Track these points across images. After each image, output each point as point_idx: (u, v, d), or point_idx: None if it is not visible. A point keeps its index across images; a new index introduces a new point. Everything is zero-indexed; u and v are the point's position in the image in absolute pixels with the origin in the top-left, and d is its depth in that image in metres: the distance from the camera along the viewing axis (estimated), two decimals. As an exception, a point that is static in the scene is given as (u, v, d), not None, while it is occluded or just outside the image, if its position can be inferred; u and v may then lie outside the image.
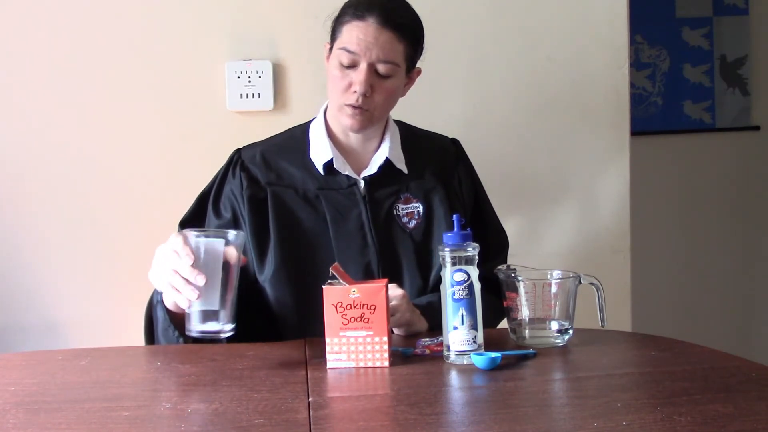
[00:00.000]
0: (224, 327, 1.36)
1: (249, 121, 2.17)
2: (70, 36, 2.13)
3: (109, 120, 2.15)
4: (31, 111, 2.13)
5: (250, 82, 2.15)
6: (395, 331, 1.56)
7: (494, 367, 1.33)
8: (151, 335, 1.62)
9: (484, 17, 2.24)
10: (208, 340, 1.38)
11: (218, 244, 1.34)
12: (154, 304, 1.56)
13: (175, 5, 2.15)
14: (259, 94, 2.15)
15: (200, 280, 1.33)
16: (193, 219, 1.74)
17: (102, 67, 2.14)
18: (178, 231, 1.70)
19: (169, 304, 1.47)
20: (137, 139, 2.15)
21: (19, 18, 2.11)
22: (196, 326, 1.35)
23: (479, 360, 1.33)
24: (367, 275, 1.66)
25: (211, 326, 1.35)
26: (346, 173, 1.72)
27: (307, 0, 2.15)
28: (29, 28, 2.12)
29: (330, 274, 1.39)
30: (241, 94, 2.15)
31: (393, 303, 1.52)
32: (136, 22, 2.14)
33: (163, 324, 1.53)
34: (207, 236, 1.36)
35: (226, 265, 1.35)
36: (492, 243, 1.82)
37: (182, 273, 1.35)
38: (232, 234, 1.37)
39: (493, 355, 1.34)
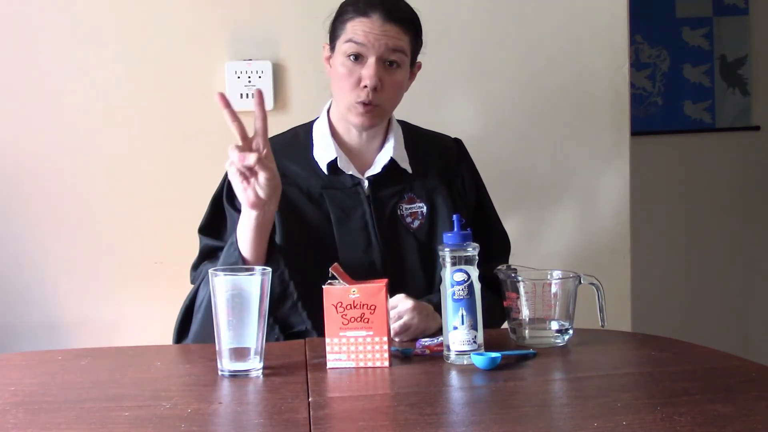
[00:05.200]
0: (255, 365, 1.33)
1: (249, 121, 2.14)
2: (70, 36, 2.13)
3: (109, 120, 2.15)
4: (31, 111, 2.13)
5: (250, 82, 2.15)
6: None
7: (494, 367, 1.33)
8: (181, 333, 1.66)
9: (484, 17, 2.24)
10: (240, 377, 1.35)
11: (246, 281, 1.33)
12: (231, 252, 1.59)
13: (175, 5, 2.15)
14: (259, 94, 2.15)
15: (251, 158, 1.45)
16: (212, 224, 1.74)
17: (102, 68, 2.14)
18: (199, 239, 1.71)
19: (240, 196, 1.51)
20: (137, 139, 2.15)
21: (18, 19, 2.11)
22: (227, 365, 1.33)
23: (479, 360, 1.33)
24: (371, 274, 1.65)
25: (242, 365, 1.32)
26: (350, 173, 1.72)
27: (307, 0, 2.15)
28: (29, 29, 2.12)
29: (330, 275, 1.39)
30: (241, 94, 2.15)
31: (405, 319, 1.50)
32: (136, 22, 2.14)
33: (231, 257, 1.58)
34: (235, 274, 1.34)
35: (255, 302, 1.33)
36: (495, 244, 1.81)
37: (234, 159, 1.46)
38: (258, 271, 1.35)
39: (493, 355, 1.34)
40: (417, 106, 2.05)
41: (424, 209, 1.73)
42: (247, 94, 2.15)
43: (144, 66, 2.15)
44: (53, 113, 2.13)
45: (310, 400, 1.20)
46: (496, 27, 2.24)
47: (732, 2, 3.52)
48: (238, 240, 1.56)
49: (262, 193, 1.49)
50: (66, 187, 2.14)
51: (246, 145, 1.49)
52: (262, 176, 1.48)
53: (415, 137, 1.80)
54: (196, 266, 1.74)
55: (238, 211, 1.68)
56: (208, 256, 1.71)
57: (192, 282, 1.73)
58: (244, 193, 1.50)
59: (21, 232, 2.14)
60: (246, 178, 1.49)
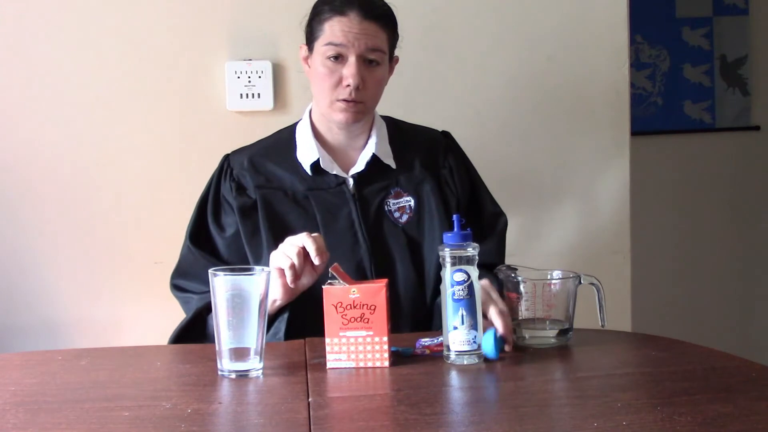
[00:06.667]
0: (254, 365, 1.33)
1: (249, 121, 2.16)
2: (69, 36, 2.12)
3: (109, 120, 2.14)
4: (30, 111, 2.13)
5: (250, 82, 2.15)
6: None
7: (500, 353, 1.35)
8: (180, 338, 1.66)
9: (484, 17, 2.23)
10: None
11: (246, 282, 1.34)
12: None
13: (175, 5, 2.14)
14: (259, 94, 2.15)
15: (320, 259, 1.46)
16: (199, 229, 1.75)
17: (102, 68, 2.13)
18: (189, 244, 1.72)
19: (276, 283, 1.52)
20: (137, 140, 2.15)
21: (18, 18, 2.11)
22: (227, 365, 1.33)
23: (489, 347, 1.34)
24: (359, 273, 1.65)
25: (242, 365, 1.33)
26: (334, 172, 1.72)
27: (307, 0, 2.14)
28: (28, 29, 2.12)
29: (330, 275, 1.39)
30: (241, 94, 2.15)
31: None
32: (136, 22, 2.14)
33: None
34: (235, 274, 1.35)
35: (256, 302, 1.34)
36: (486, 225, 1.81)
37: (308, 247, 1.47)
38: (258, 270, 1.36)
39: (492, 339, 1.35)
40: (416, 106, 2.06)
41: (412, 203, 1.73)
42: (247, 94, 2.15)
43: (144, 66, 2.14)
44: (52, 113, 2.13)
45: (310, 400, 1.20)
46: (496, 27, 2.24)
47: (732, 2, 3.52)
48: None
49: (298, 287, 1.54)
50: (65, 187, 2.14)
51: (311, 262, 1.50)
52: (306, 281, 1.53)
53: (400, 132, 1.81)
54: (183, 273, 1.74)
55: (223, 231, 1.71)
56: (194, 266, 1.72)
57: (176, 288, 1.74)
58: (279, 279, 1.52)
59: (21, 232, 2.14)
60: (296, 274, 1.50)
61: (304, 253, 1.49)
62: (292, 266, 1.48)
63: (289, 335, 1.60)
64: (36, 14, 2.12)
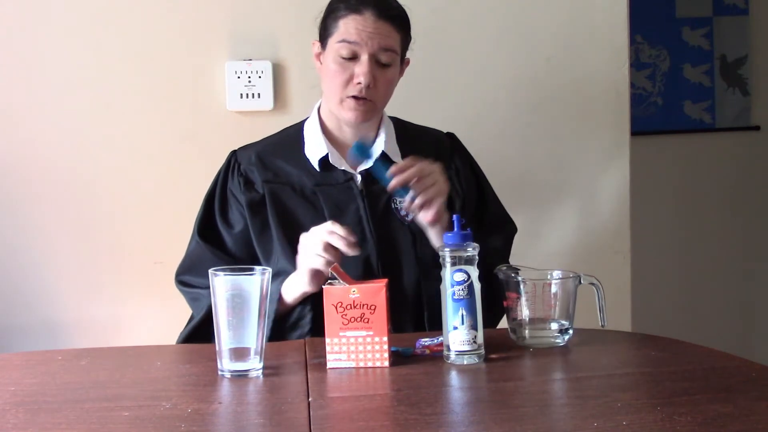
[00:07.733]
0: (254, 365, 1.33)
1: (249, 121, 2.16)
2: (70, 36, 2.12)
3: (109, 120, 2.14)
4: (30, 112, 2.13)
5: (250, 82, 2.15)
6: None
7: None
8: (191, 336, 1.66)
9: (484, 18, 2.23)
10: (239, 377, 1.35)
11: (246, 282, 1.34)
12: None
13: (175, 5, 2.14)
14: (259, 94, 2.15)
15: (352, 245, 1.49)
16: (207, 224, 1.76)
17: (102, 68, 2.13)
18: (199, 239, 1.72)
19: (307, 272, 1.55)
20: (137, 140, 2.15)
21: (18, 18, 2.11)
22: (227, 365, 1.33)
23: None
24: (366, 269, 1.66)
25: (242, 365, 1.33)
26: (343, 168, 1.72)
27: (307, 0, 2.14)
28: (29, 29, 2.12)
29: (329, 275, 1.39)
30: (241, 94, 2.15)
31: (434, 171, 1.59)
32: (136, 22, 2.14)
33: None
34: (235, 274, 1.34)
35: (255, 302, 1.34)
36: (491, 225, 1.81)
37: (338, 231, 1.50)
38: (258, 271, 1.36)
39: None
40: (416, 106, 2.05)
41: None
42: (247, 94, 2.15)
43: (144, 66, 2.15)
44: (53, 113, 2.13)
45: (310, 400, 1.20)
46: (495, 27, 2.24)
47: (732, 2, 3.52)
48: (283, 285, 1.61)
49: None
50: (66, 187, 2.14)
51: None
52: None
53: (407, 132, 1.82)
54: (189, 268, 1.74)
55: (231, 228, 1.71)
56: (202, 260, 1.71)
57: (183, 284, 1.74)
58: (311, 280, 1.55)
59: (21, 232, 2.14)
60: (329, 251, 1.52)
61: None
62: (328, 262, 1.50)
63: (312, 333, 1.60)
64: (36, 14, 2.12)
